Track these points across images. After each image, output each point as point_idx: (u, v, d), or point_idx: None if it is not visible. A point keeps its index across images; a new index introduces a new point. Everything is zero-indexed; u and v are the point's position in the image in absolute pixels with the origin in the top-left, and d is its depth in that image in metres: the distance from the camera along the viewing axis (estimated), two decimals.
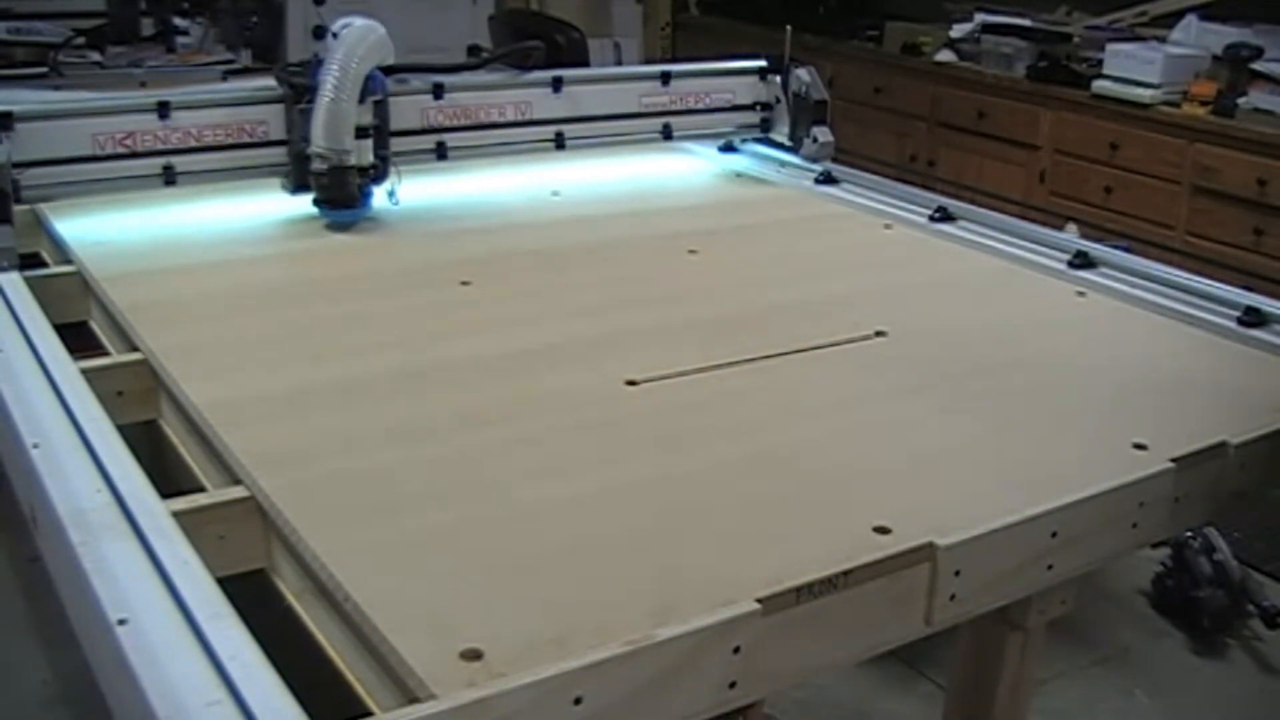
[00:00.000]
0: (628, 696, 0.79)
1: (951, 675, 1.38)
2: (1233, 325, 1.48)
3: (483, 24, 4.48)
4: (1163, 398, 1.32)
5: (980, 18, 4.18)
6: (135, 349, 1.31)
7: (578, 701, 0.77)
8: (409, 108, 1.92)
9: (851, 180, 2.08)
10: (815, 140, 2.19)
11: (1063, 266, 1.68)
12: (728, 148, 2.30)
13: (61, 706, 1.99)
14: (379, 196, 1.82)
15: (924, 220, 1.89)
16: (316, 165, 1.72)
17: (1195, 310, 1.53)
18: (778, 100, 2.26)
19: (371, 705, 0.82)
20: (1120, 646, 2.51)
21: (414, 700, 0.76)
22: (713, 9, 5.22)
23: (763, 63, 2.29)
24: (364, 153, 1.75)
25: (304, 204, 1.79)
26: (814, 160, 2.19)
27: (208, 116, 1.80)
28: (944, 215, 1.88)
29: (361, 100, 1.71)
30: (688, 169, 2.27)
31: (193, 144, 1.79)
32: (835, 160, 2.18)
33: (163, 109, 1.76)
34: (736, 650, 0.84)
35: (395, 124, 1.87)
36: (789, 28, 2.25)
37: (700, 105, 2.24)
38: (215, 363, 1.26)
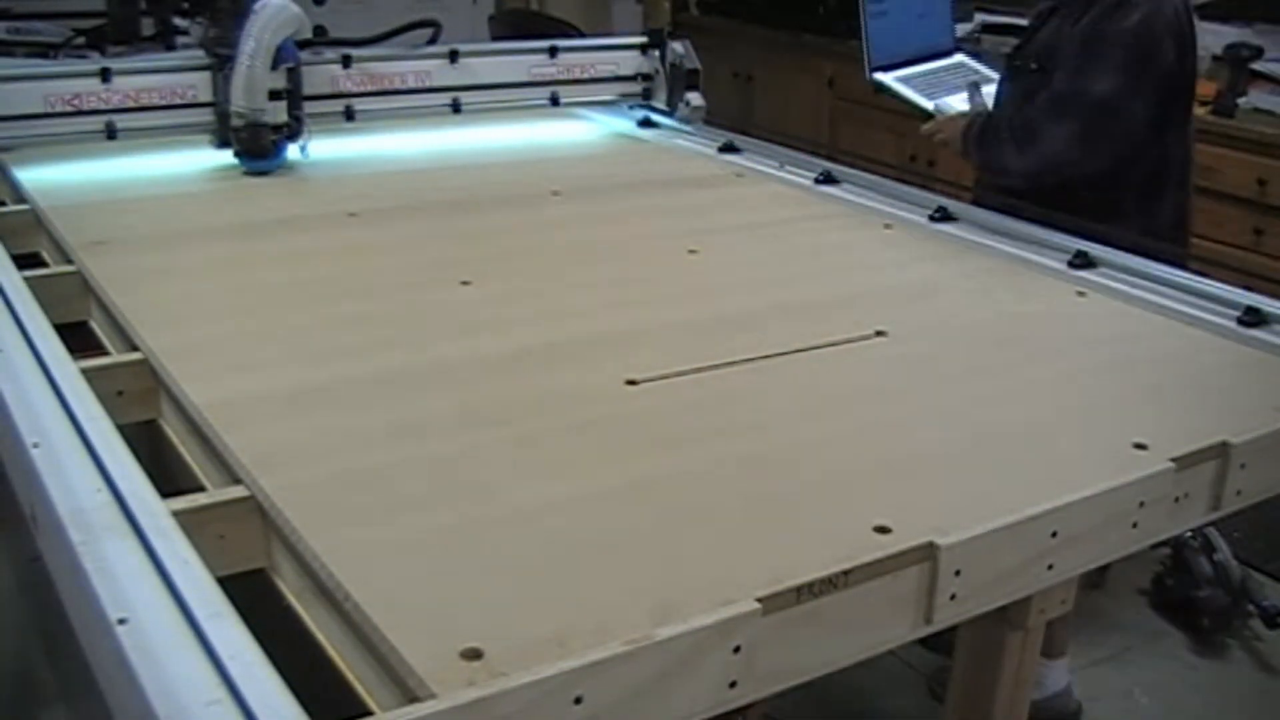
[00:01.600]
0: (628, 696, 0.79)
1: (952, 675, 1.38)
2: (1233, 325, 1.48)
3: (483, 24, 4.48)
4: (1163, 398, 1.32)
5: (980, 18, 4.18)
6: (135, 349, 1.31)
7: (578, 701, 0.77)
8: (321, 75, 2.25)
9: (851, 180, 2.08)
10: (688, 104, 2.48)
11: (1063, 266, 1.68)
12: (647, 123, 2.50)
13: (61, 706, 1.99)
14: (293, 151, 2.08)
15: (924, 220, 1.89)
16: (235, 122, 2.00)
17: (1195, 310, 1.53)
18: (657, 71, 2.55)
19: (371, 705, 0.82)
20: (1120, 646, 2.51)
21: (414, 699, 0.76)
22: (712, 9, 5.22)
23: (644, 39, 2.58)
24: (278, 112, 2.02)
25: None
26: (687, 122, 2.46)
27: (144, 81, 2.11)
28: (944, 215, 1.88)
29: (275, 67, 1.99)
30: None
31: (131, 104, 2.10)
32: (835, 160, 2.18)
33: (105, 74, 2.08)
34: (736, 650, 0.84)
35: (309, 89, 2.16)
36: (667, 2, 2.61)
37: (586, 76, 2.55)
38: (215, 363, 1.26)
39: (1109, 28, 2.15)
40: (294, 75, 2.06)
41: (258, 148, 2.01)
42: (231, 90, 1.99)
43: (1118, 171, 2.20)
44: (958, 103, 2.51)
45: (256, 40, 1.96)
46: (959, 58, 2.81)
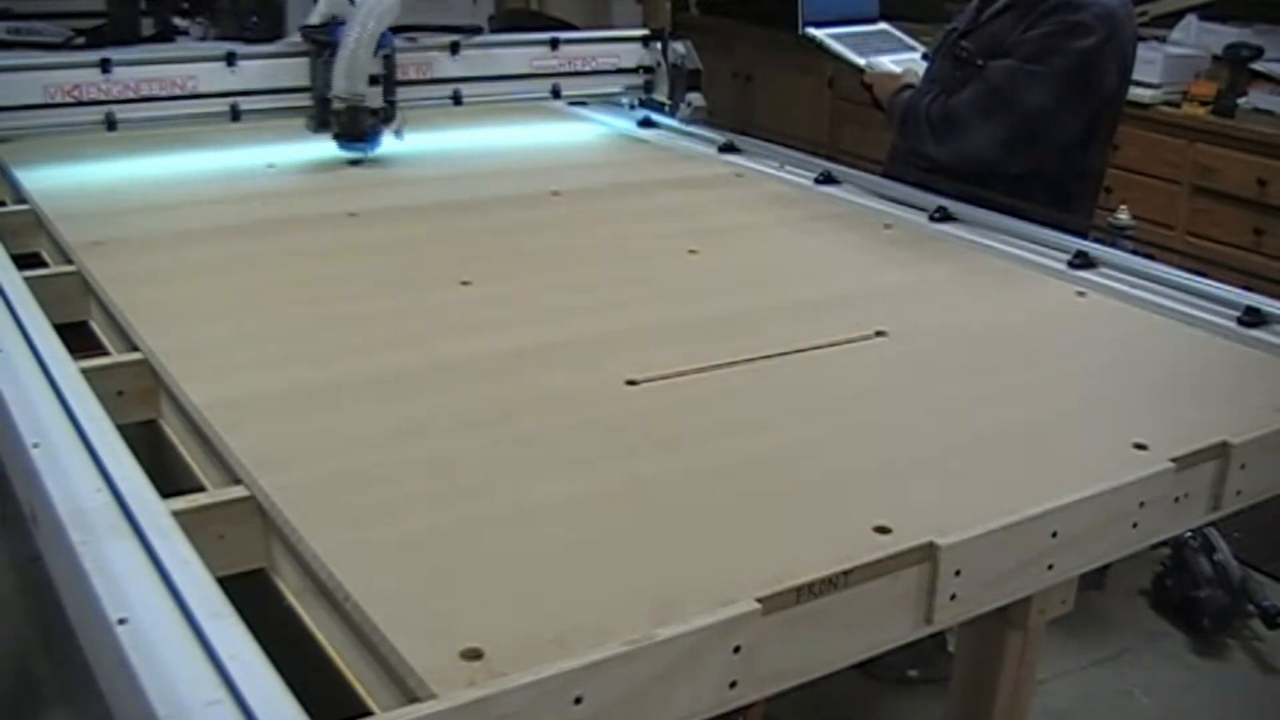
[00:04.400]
0: (628, 696, 0.79)
1: (952, 675, 1.38)
2: (1233, 325, 1.48)
3: (483, 23, 4.48)
4: (1163, 398, 1.32)
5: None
6: (135, 349, 1.31)
7: (578, 701, 0.77)
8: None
9: (851, 180, 2.08)
10: (689, 105, 2.49)
11: (1063, 266, 1.68)
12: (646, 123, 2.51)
13: (61, 706, 1.99)
14: (387, 136, 2.16)
15: (924, 220, 1.89)
16: (336, 105, 2.07)
17: (1195, 310, 1.53)
18: (658, 65, 2.55)
19: (371, 705, 0.82)
20: (1120, 646, 2.51)
21: (414, 700, 0.76)
22: (713, 9, 5.22)
23: (645, 31, 2.59)
24: (375, 97, 2.10)
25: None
26: (688, 122, 2.45)
27: (144, 72, 2.11)
28: (944, 215, 1.88)
29: (374, 54, 2.06)
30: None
31: (131, 95, 2.10)
32: (835, 160, 2.18)
33: (105, 65, 2.08)
34: (736, 650, 0.84)
35: (303, 81, 2.17)
36: (667, 2, 2.63)
37: (587, 69, 2.54)
38: (215, 363, 1.26)
39: (1062, 44, 2.15)
40: (389, 62, 2.13)
41: (357, 130, 2.08)
42: (333, 75, 2.05)
43: (1037, 174, 2.22)
44: (888, 62, 2.56)
45: (362, 27, 2.02)
46: (882, 25, 2.87)
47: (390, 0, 2.06)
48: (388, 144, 2.25)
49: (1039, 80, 2.14)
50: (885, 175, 2.15)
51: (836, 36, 2.70)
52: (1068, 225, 1.81)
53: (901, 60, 2.55)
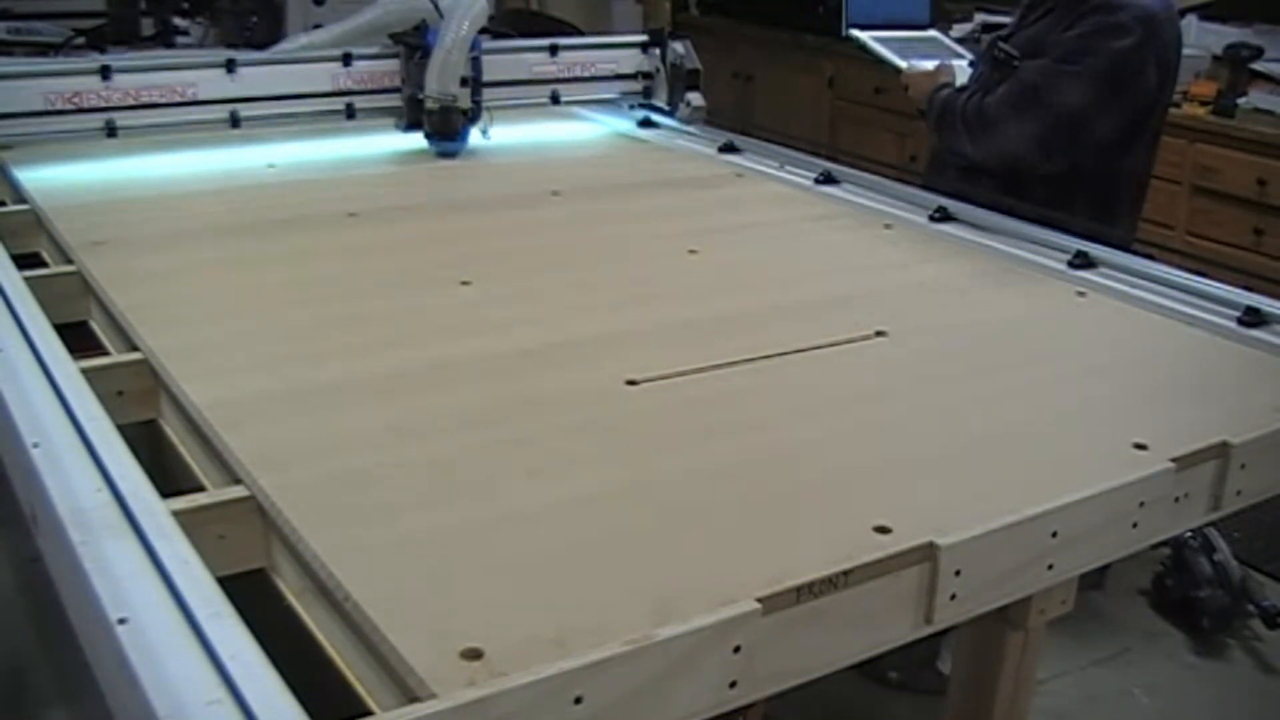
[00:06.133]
0: (628, 696, 0.79)
1: (952, 675, 1.38)
2: (1233, 325, 1.48)
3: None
4: (1163, 398, 1.32)
5: (980, 18, 4.18)
6: (135, 349, 1.31)
7: (578, 701, 0.77)
8: (321, 74, 2.27)
9: (851, 180, 2.08)
10: (689, 104, 2.49)
11: (1063, 266, 1.68)
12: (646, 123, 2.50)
13: (61, 706, 1.99)
14: (474, 134, 2.23)
15: (924, 220, 1.89)
16: (430, 106, 2.14)
17: (1195, 310, 1.53)
18: (657, 70, 2.57)
19: (371, 705, 0.82)
20: (1120, 646, 2.51)
21: (414, 699, 0.76)
22: (713, 9, 5.22)
23: (644, 37, 2.60)
24: (464, 98, 2.16)
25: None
26: (688, 122, 2.46)
27: (144, 79, 2.11)
28: (944, 215, 1.88)
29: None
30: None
31: (131, 102, 2.10)
32: (835, 160, 2.18)
33: (105, 72, 2.08)
34: (736, 650, 0.84)
35: (309, 88, 2.24)
36: (668, 3, 2.68)
37: (586, 74, 2.57)
38: (215, 363, 1.26)
39: (1099, 44, 2.15)
40: (477, 64, 2.19)
41: (449, 130, 2.15)
42: (426, 76, 2.12)
43: (1075, 175, 2.21)
44: (927, 65, 2.58)
45: (456, 31, 2.10)
46: (932, 32, 2.89)
47: (481, 3, 2.13)
48: (389, 144, 2.26)
49: (1073, 79, 2.14)
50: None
51: (881, 40, 2.72)
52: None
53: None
